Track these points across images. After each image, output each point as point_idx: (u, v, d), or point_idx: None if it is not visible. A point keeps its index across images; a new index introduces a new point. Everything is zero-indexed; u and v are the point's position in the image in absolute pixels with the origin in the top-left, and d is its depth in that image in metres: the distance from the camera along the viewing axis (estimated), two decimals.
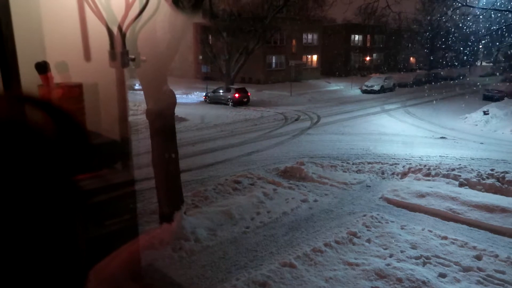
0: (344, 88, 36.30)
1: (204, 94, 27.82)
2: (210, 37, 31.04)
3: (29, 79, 2.00)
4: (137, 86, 10.35)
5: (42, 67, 2.13)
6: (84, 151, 0.59)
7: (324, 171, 10.50)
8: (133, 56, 3.55)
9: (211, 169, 11.00)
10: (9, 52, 1.24)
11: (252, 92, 28.10)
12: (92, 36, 2.55)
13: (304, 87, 36.03)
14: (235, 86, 26.99)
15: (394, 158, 12.04)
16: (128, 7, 3.05)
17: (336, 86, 37.72)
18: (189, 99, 28.14)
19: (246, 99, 25.81)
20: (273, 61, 40.40)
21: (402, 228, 7.08)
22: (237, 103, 25.11)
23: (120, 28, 2.95)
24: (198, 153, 12.88)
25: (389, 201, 8.53)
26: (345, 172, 10.65)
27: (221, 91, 26.43)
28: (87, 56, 2.49)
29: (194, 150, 13.26)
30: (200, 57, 33.54)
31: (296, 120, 20.33)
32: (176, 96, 6.55)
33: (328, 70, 47.08)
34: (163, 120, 6.38)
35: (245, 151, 13.21)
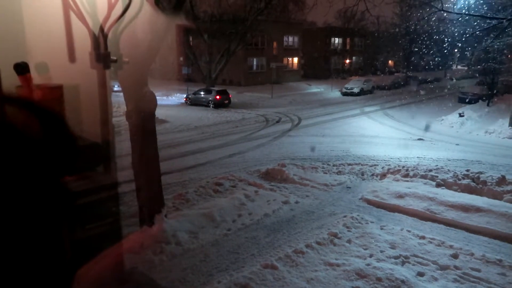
0: (325, 91, 36.64)
1: (185, 96, 27.69)
2: (191, 39, 30.90)
3: (8, 80, 1.95)
4: (116, 88, 10.21)
5: (21, 68, 2.08)
6: (69, 153, 0.58)
7: (305, 173, 10.56)
8: (115, 58, 3.56)
9: (192, 172, 10.93)
10: None
11: (233, 94, 28.06)
12: (73, 37, 2.53)
13: (285, 89, 36.22)
14: (216, 88, 26.91)
15: (374, 160, 12.21)
16: (111, 8, 3.02)
17: (317, 89, 38.06)
18: (170, 101, 27.90)
19: (227, 101, 25.82)
20: (254, 63, 40.54)
21: (381, 229, 7.20)
22: (218, 105, 25.09)
23: (102, 29, 2.92)
24: (179, 155, 12.81)
25: (369, 202, 8.65)
26: (326, 173, 10.74)
27: (202, 93, 26.34)
28: (69, 57, 2.45)
29: (175, 152, 13.18)
30: (181, 58, 33.32)
31: (277, 122, 20.43)
32: (157, 97, 6.51)
33: (309, 72, 47.62)
34: (144, 122, 6.35)
35: (227, 153, 13.20)
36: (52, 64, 2.40)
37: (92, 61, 2.92)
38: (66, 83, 2.40)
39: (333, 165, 11.37)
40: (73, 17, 2.59)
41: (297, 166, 11.01)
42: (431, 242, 6.66)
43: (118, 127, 14.68)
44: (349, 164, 11.46)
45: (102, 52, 3.17)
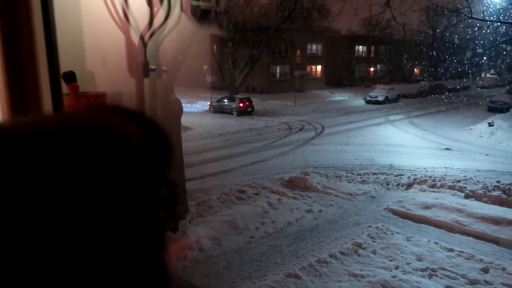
0: (348, 99, 36.37)
1: (209, 103, 28.00)
2: (215, 47, 31.32)
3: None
4: None
5: (69, 77, 2.14)
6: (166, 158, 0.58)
7: (328, 182, 10.51)
8: (153, 67, 3.60)
9: (216, 178, 11.02)
10: (54, 61, 1.31)
11: (256, 102, 28.22)
12: (115, 46, 2.57)
13: (308, 97, 36.11)
14: (240, 96, 27.13)
15: (399, 169, 12.03)
16: (152, 17, 3.08)
17: (340, 97, 37.78)
18: (194, 108, 28.29)
19: (250, 109, 25.99)
20: (278, 71, 40.63)
21: (407, 240, 7.04)
22: (242, 113, 25.26)
23: (142, 38, 2.97)
24: (202, 162, 12.93)
25: (394, 212, 8.50)
26: (350, 182, 10.68)
27: (225, 100, 26.60)
28: (114, 66, 2.54)
29: (199, 159, 13.30)
30: (205, 66, 33.80)
31: (301, 130, 20.41)
32: (182, 105, 6.64)
33: (332, 80, 47.26)
34: (169, 128, 6.34)
35: (250, 161, 13.27)
36: (95, 73, 2.47)
37: (134, 70, 3.00)
38: (108, 91, 2.47)
39: (357, 174, 11.28)
40: (113, 27, 2.66)
41: (321, 175, 10.97)
42: (460, 255, 6.46)
43: None
44: (374, 174, 11.34)
45: (143, 61, 3.24)
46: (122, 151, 0.47)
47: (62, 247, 0.40)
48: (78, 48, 2.32)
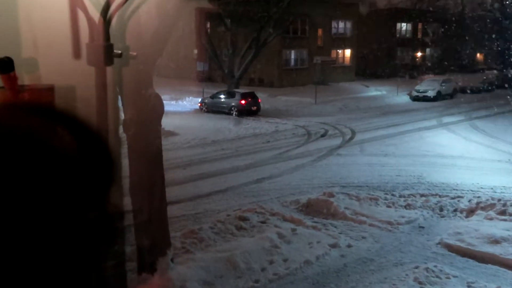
0: (388, 94, 36.44)
1: (200, 100, 28.12)
2: (208, 26, 31.49)
3: None
4: None
5: (4, 65, 2.09)
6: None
7: (360, 206, 10.55)
8: (119, 51, 3.58)
9: (208, 201, 11.08)
10: None
11: (263, 98, 28.25)
12: (65, 24, 2.60)
13: (333, 92, 36.11)
14: (241, 90, 27.19)
15: (457, 189, 11.99)
16: None
17: (377, 91, 37.90)
18: (180, 107, 28.39)
19: (255, 107, 26.08)
20: (292, 57, 40.78)
21: (469, 286, 6.99)
22: (244, 113, 25.34)
23: (104, 13, 2.92)
24: (191, 179, 13.00)
25: (450, 248, 8.46)
26: (390, 207, 10.73)
27: (222, 96, 26.70)
28: (65, 50, 2.51)
29: (186, 175, 13.36)
30: (195, 51, 33.93)
31: (323, 136, 20.43)
32: (164, 102, 6.71)
33: (366, 69, 47.30)
34: (146, 134, 6.41)
35: (254, 177, 13.32)
36: (42, 59, 2.46)
37: (92, 56, 2.99)
38: (58, 83, 2.42)
39: (400, 196, 11.31)
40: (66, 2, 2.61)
41: (350, 197, 10.99)
42: None
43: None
44: (422, 195, 11.33)
45: (103, 43, 3.20)
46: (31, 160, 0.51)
47: None
48: (11, 26, 2.31)
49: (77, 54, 2.95)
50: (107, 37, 3.19)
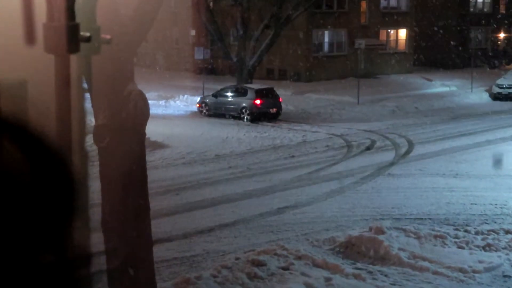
0: (458, 91, 33.97)
1: (199, 99, 26.30)
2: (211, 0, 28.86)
3: None
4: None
5: None
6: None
7: (421, 246, 10.11)
8: (87, 34, 3.46)
9: (210, 239, 10.53)
10: None
11: (286, 97, 26.37)
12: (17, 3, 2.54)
13: (382, 87, 33.69)
14: (256, 86, 25.18)
15: None
16: None
17: (444, 87, 35.36)
18: (171, 109, 26.82)
19: (275, 109, 24.42)
20: (325, 40, 37.35)
21: None
22: (259, 117, 23.77)
23: None
24: (186, 208, 12.56)
25: None
26: (462, 248, 10.29)
27: (229, 94, 25.09)
28: (12, 33, 2.55)
29: (179, 203, 12.86)
30: (193, 33, 31.69)
31: (368, 149, 19.47)
32: (149, 102, 6.41)
33: (428, 57, 41.90)
34: (124, 147, 6.35)
35: (273, 206, 12.51)
36: None
37: (50, 40, 2.72)
38: (3, 77, 2.55)
39: (477, 233, 10.86)
40: None
41: (407, 233, 10.40)
42: None
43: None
44: (508, 232, 10.85)
45: (65, 23, 2.96)
46: None
47: None
48: None
49: (30, 38, 2.77)
50: (71, 15, 2.81)
